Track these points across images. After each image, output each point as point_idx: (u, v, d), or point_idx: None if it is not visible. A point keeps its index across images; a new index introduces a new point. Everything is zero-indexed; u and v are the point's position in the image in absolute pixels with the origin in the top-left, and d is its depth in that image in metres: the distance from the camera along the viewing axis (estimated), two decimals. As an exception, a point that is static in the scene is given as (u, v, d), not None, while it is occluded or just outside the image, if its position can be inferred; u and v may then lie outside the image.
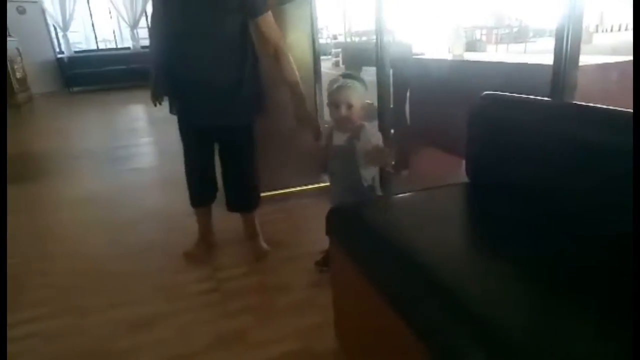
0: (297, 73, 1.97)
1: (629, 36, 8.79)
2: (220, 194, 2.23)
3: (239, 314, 1.81)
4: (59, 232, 2.77)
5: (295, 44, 2.65)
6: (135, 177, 3.79)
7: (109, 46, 11.08)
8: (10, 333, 1.72)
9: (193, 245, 2.27)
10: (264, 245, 2.27)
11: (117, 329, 1.76)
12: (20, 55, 8.45)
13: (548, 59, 1.47)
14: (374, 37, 1.86)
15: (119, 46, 11.00)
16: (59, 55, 9.97)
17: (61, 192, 3.49)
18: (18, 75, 8.15)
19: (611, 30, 15.42)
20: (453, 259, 1.11)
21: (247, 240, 2.31)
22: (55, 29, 9.97)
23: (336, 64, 10.53)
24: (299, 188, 2.93)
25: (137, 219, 2.79)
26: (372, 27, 2.00)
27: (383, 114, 2.08)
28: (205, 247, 2.29)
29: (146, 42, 10.26)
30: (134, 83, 9.41)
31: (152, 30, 2.03)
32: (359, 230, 1.34)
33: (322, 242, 1.89)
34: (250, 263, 2.19)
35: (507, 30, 12.89)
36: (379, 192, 1.83)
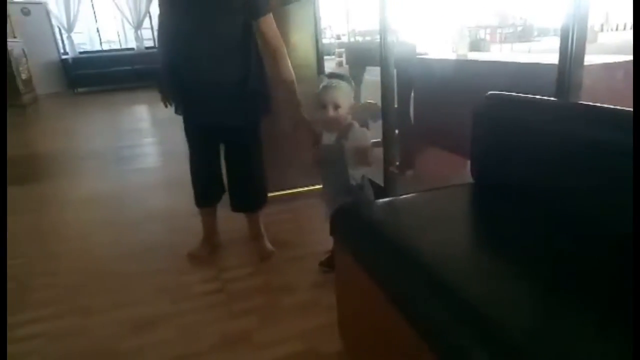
0: (292, 72, 1.97)
1: (634, 35, 8.69)
2: (225, 194, 2.23)
3: (244, 314, 1.81)
4: (64, 232, 2.78)
5: (299, 44, 2.66)
6: (140, 177, 3.80)
7: (113, 47, 11.12)
8: (16, 333, 1.73)
9: (198, 246, 2.27)
10: (269, 245, 2.27)
11: (121, 330, 1.76)
12: (25, 56, 8.48)
13: (553, 59, 1.46)
14: (378, 36, 1.85)
15: (123, 47, 11.04)
16: (64, 56, 10.03)
17: (66, 193, 3.50)
18: (23, 76, 8.18)
19: (616, 29, 15.32)
20: (457, 260, 1.10)
21: (252, 240, 2.32)
22: (59, 30, 10.03)
23: (340, 64, 10.52)
24: (306, 188, 2.93)
25: (142, 219, 2.80)
26: (375, 26, 1.99)
27: (387, 114, 2.07)
28: (209, 247, 2.29)
29: (150, 43, 10.39)
30: (138, 84, 9.48)
31: (159, 32, 2.05)
32: (363, 231, 1.34)
33: (327, 242, 1.89)
34: (255, 263, 2.19)
35: (511, 30, 12.87)
36: (369, 191, 1.82)
